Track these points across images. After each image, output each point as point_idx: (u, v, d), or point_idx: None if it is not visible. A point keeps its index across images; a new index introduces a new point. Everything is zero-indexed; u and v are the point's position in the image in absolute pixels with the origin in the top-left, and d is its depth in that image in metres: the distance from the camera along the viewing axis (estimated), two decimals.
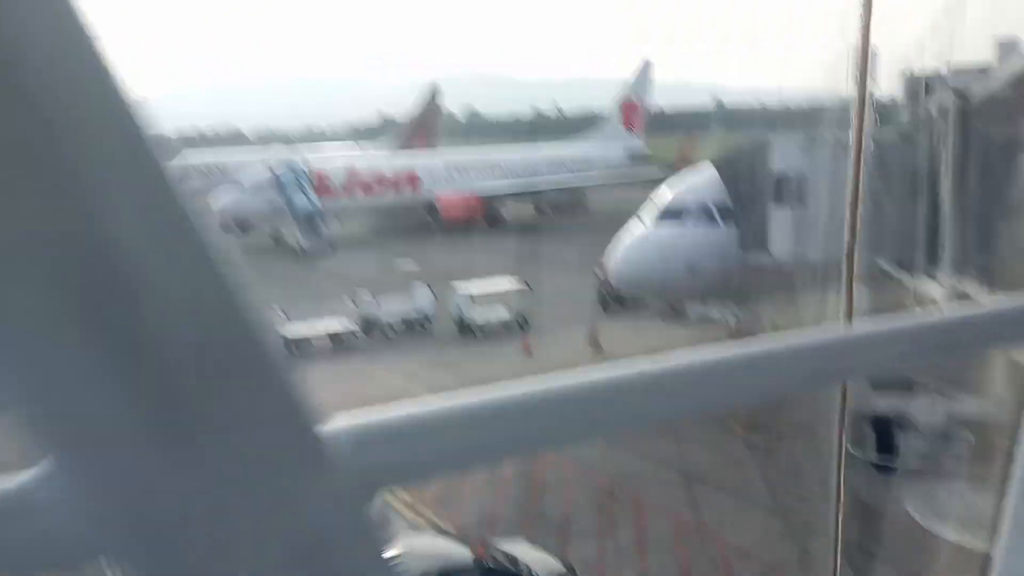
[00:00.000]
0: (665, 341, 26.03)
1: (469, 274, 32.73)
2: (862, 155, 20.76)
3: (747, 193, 24.91)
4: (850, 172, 21.61)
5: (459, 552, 11.14)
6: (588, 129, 77.67)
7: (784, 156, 24.17)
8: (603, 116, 77.24)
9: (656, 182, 31.70)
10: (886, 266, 20.10)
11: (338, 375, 24.83)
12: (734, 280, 25.48)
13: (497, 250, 46.65)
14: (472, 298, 29.12)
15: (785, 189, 23.77)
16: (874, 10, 14.72)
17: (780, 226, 23.84)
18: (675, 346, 24.83)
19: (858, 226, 20.57)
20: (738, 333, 26.30)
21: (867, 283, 19.88)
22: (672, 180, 28.64)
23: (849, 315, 19.60)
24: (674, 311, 30.24)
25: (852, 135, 21.08)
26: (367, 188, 55.24)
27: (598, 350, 26.77)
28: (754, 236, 24.48)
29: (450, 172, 59.95)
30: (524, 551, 12.60)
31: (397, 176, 57.09)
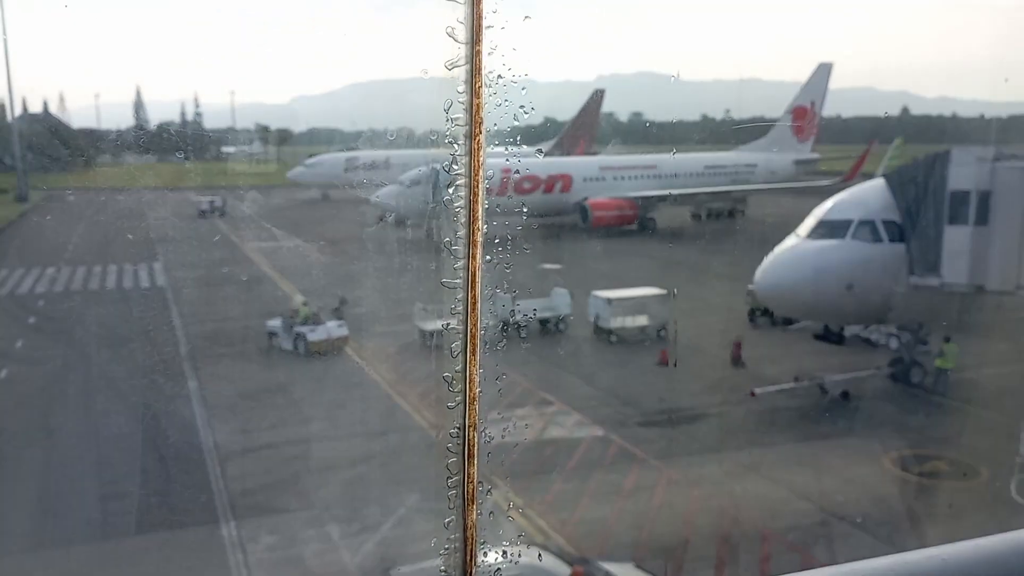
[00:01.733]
0: (815, 363, 24.24)
1: (613, 279, 32.12)
2: None
3: (920, 210, 22.73)
4: None
5: (554, 567, 10.70)
6: (756, 134, 74.37)
7: (967, 171, 21.81)
8: (773, 121, 73.68)
9: (823, 193, 29.73)
10: None
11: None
12: (899, 303, 23.39)
13: (646, 256, 45.58)
14: (610, 303, 28.45)
15: (964, 207, 21.44)
16: None
17: (956, 247, 21.54)
18: (826, 369, 23.18)
19: None
20: (899, 361, 24.18)
21: None
22: (839, 192, 26.68)
23: None
24: (829, 332, 28.24)
25: None
26: (521, 188, 55.71)
27: (740, 366, 25.37)
28: (924, 257, 22.30)
29: (604, 175, 59.33)
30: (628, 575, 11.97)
31: (551, 178, 57.18)
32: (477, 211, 1.93)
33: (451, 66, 1.82)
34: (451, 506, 2.00)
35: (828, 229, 23.82)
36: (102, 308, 35.34)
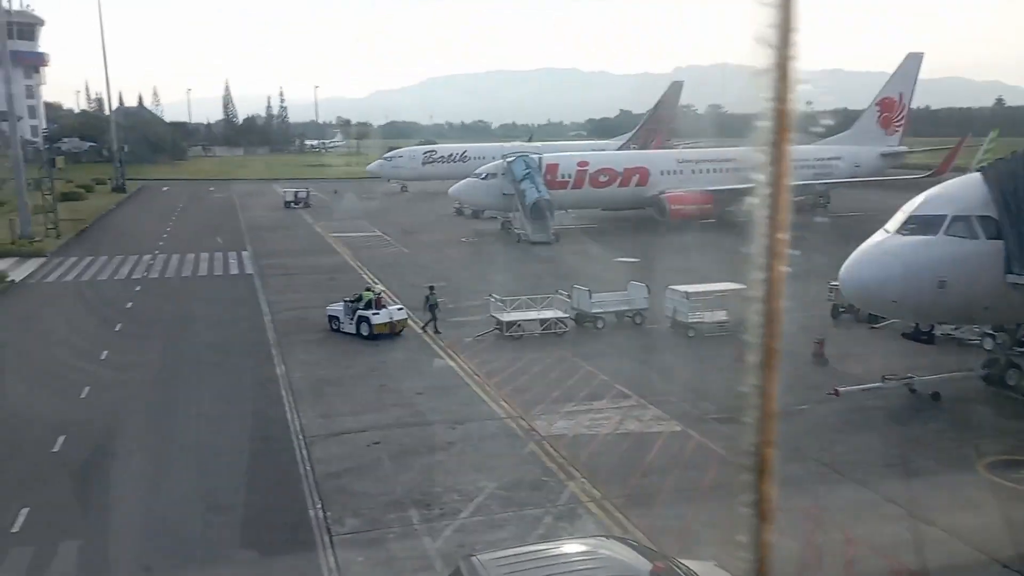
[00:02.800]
0: (901, 363, 23.45)
1: (690, 273, 31.73)
2: None
3: (1019, 205, 21.66)
4: None
5: (635, 562, 10.70)
6: (840, 126, 72.06)
7: None
8: (858, 112, 71.23)
9: (912, 187, 28.67)
10: None
11: (540, 362, 25.18)
12: (994, 302, 22.37)
13: (724, 250, 44.76)
14: (688, 297, 28.10)
15: None
16: None
17: None
18: (913, 370, 22.38)
19: None
20: (994, 363, 23.13)
21: None
22: (931, 186, 25.64)
23: None
24: (919, 331, 27.24)
25: None
26: (596, 181, 55.43)
27: (822, 363, 24.74)
28: (1023, 255, 21.24)
29: (681, 168, 58.51)
30: (712, 574, 11.85)
31: (627, 171, 56.71)
32: (782, 219, 1.76)
33: (758, 69, 1.74)
34: (745, 524, 1.91)
35: (920, 224, 22.91)
36: (194, 294, 36.94)
